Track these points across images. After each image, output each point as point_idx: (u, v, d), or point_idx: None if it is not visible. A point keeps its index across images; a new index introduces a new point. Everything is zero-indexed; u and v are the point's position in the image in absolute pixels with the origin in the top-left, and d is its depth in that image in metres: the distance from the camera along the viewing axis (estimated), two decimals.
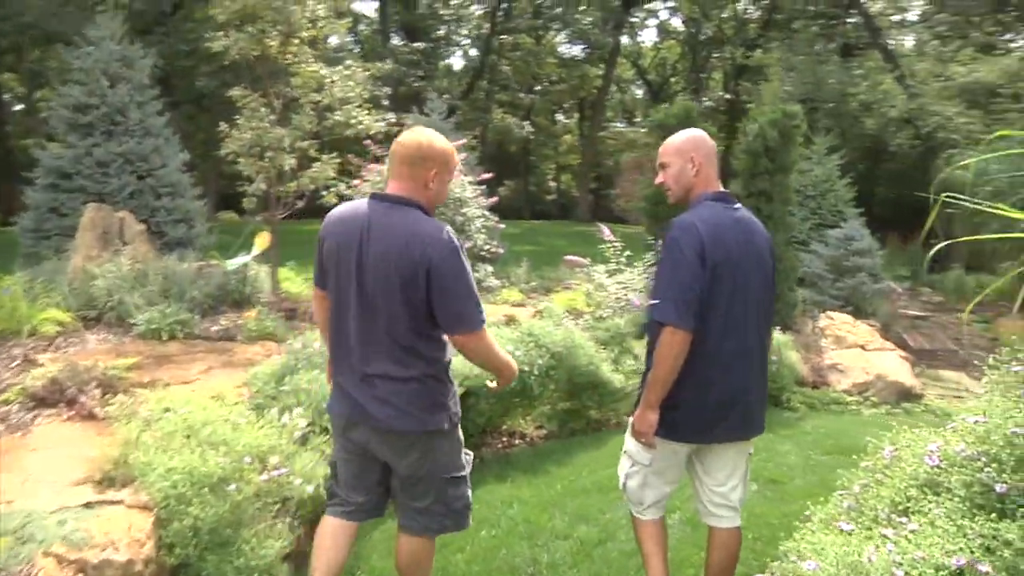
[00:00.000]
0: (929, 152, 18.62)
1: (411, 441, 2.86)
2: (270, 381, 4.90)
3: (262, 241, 8.03)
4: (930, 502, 2.78)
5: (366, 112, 7.83)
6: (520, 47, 27.33)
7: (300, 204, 8.04)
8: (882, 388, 7.62)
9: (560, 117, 40.49)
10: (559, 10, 26.73)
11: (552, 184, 43.06)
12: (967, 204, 3.08)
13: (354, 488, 3.07)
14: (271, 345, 6.52)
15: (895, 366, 8.01)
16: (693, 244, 2.90)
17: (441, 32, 27.92)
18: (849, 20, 23.62)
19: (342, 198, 8.31)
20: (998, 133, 3.34)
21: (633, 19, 32.48)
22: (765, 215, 9.13)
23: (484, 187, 9.68)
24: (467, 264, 2.78)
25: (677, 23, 37.33)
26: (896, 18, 21.75)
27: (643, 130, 39.45)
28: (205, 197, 11.60)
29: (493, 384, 3.15)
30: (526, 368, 5.44)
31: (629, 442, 3.24)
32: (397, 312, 2.74)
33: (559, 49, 34.02)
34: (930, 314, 12.57)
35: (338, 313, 2.89)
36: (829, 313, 9.77)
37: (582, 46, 32.85)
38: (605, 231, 8.26)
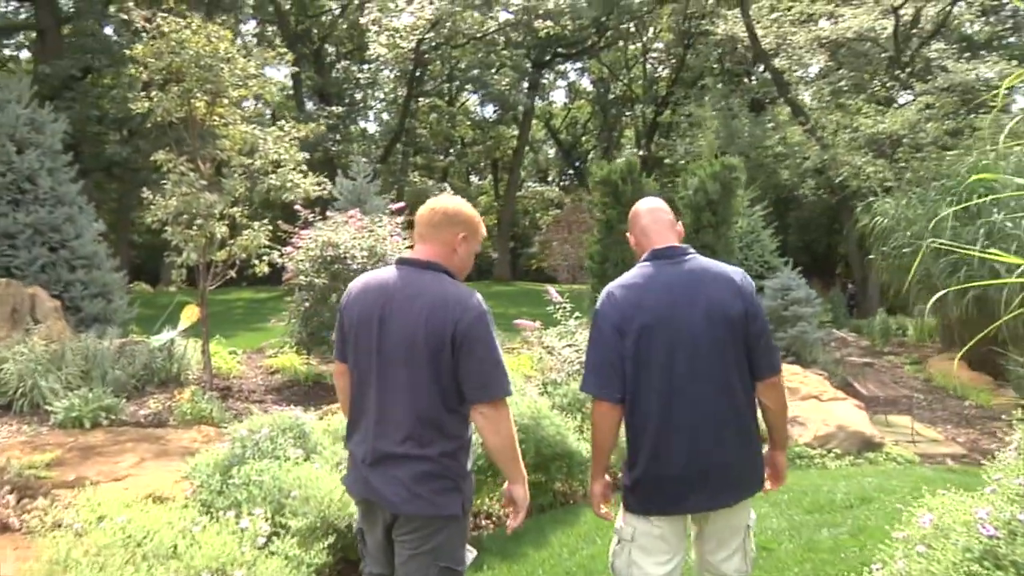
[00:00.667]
0: (843, 200, 19.00)
1: (418, 524, 2.67)
2: (214, 473, 4.34)
3: (190, 314, 7.44)
4: None
5: (301, 175, 7.35)
6: (436, 109, 27.20)
7: (231, 274, 7.47)
8: (844, 439, 7.36)
9: (474, 178, 40.52)
10: (475, 71, 26.71)
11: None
12: (960, 250, 2.82)
13: (376, 560, 2.88)
14: (208, 430, 5.91)
15: (853, 416, 7.79)
16: (609, 314, 2.82)
17: (358, 96, 27.64)
18: (755, 77, 24.24)
19: (273, 267, 7.82)
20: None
21: (543, 80, 32.81)
22: None
23: None
24: (494, 330, 2.65)
25: (587, 84, 37.95)
26: (799, 74, 22.31)
27: (558, 189, 39.95)
28: (122, 269, 10.85)
29: (511, 521, 2.84)
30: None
31: (617, 519, 3.00)
32: (422, 382, 2.61)
33: (472, 111, 34.10)
34: (874, 360, 12.53)
35: (360, 386, 2.75)
36: None
37: (494, 108, 33.00)
38: (553, 292, 7.92)
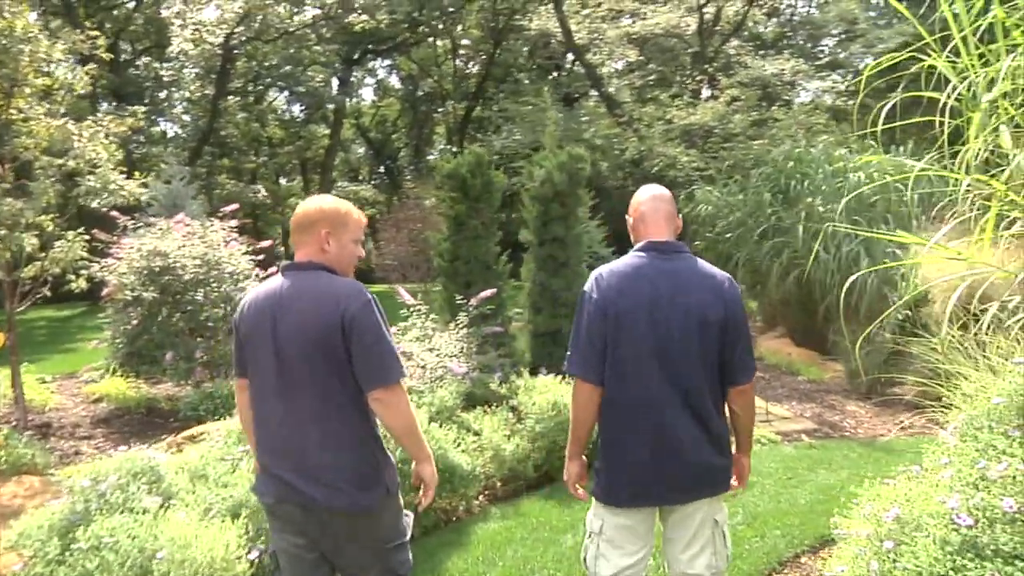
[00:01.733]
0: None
1: (346, 518, 2.73)
2: (51, 538, 3.57)
3: None
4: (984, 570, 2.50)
5: (123, 175, 6.49)
6: (246, 108, 25.86)
7: (44, 292, 6.50)
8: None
9: (283, 181, 38.96)
10: (287, 68, 25.52)
11: (281, 249, 41.24)
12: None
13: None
14: (31, 480, 4.98)
15: None
16: (594, 296, 2.87)
17: (161, 95, 25.80)
18: (566, 71, 24.55)
19: (92, 281, 6.93)
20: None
21: (352, 78, 31.94)
22: (561, 262, 8.73)
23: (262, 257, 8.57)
24: (382, 316, 2.71)
25: (396, 81, 37.32)
26: (611, 68, 22.78)
27: (372, 188, 39.12)
28: None
29: (422, 496, 2.88)
30: None
31: (588, 512, 3.09)
32: (321, 379, 2.67)
33: (281, 110, 32.76)
34: None
35: (261, 395, 2.79)
36: None
37: (301, 107, 31.85)
38: (404, 294, 7.45)
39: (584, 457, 3.07)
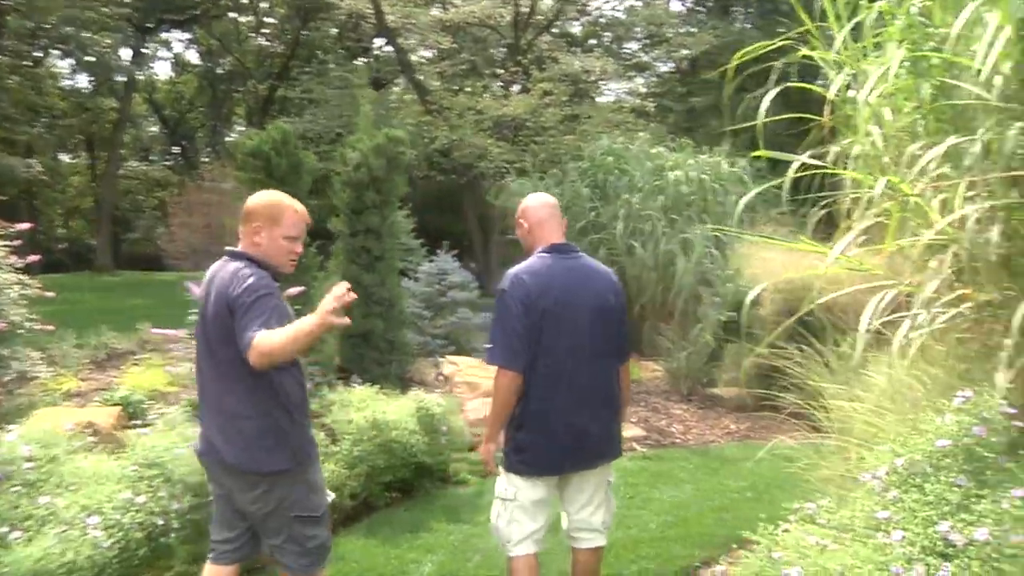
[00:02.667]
0: (470, 181, 18.77)
1: (253, 480, 2.92)
2: None
3: None
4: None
5: None
6: (18, 71, 22.72)
7: None
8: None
9: (65, 156, 35.22)
10: (69, 29, 22.63)
11: (62, 231, 37.42)
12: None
13: (220, 524, 3.12)
14: None
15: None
16: (518, 295, 3.18)
17: None
18: (375, 54, 23.39)
19: None
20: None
21: (144, 49, 29.19)
22: (375, 256, 7.75)
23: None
24: (258, 296, 2.79)
25: (194, 57, 34.60)
26: (423, 54, 21.81)
27: (164, 168, 36.23)
28: None
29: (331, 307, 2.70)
30: (160, 520, 3.45)
31: (497, 485, 3.38)
32: (229, 353, 2.84)
33: (64, 78, 29.43)
34: None
35: (197, 362, 3.07)
36: (451, 358, 8.65)
37: (89, 77, 28.74)
38: (194, 289, 6.24)
39: (500, 439, 3.36)
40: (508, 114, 17.81)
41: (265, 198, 3.04)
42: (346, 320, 2.67)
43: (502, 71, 19.50)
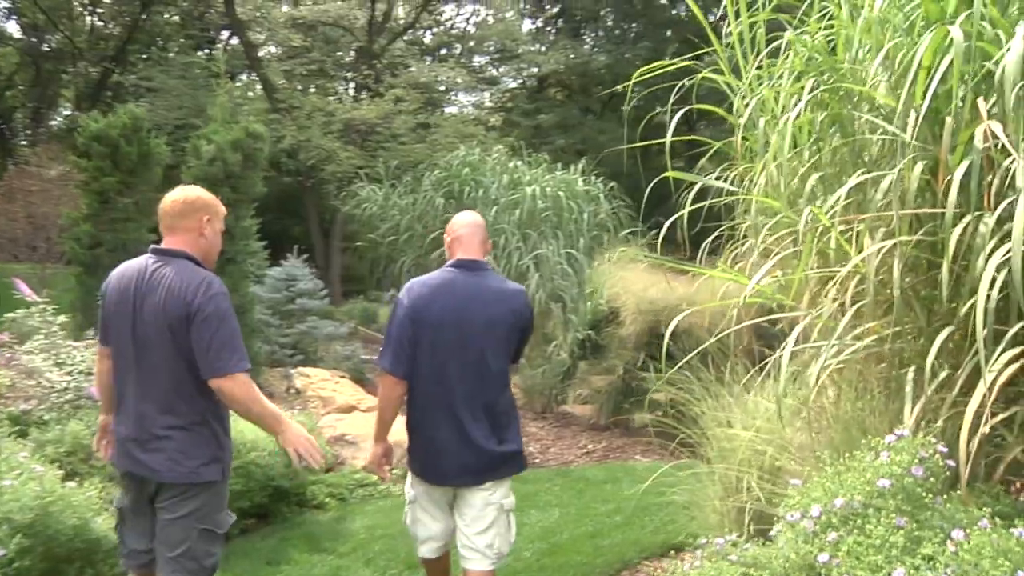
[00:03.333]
0: (319, 183, 18.09)
1: (179, 490, 2.83)
2: None
3: None
4: None
5: None
6: None
7: None
8: (403, 457, 6.22)
9: None
10: None
11: None
12: None
13: (140, 535, 2.98)
14: None
15: (402, 427, 6.72)
16: (406, 303, 3.26)
17: None
18: (221, 46, 22.17)
19: None
20: None
21: None
22: (227, 258, 7.16)
23: None
24: (228, 307, 2.82)
25: (14, 28, 31.69)
26: (273, 50, 20.83)
27: None
28: None
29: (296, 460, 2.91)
30: None
31: (407, 481, 3.50)
32: (169, 360, 2.78)
33: None
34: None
35: (117, 365, 2.91)
36: (303, 370, 8.11)
37: None
38: (23, 288, 5.52)
39: (387, 440, 3.47)
40: (358, 118, 17.27)
41: (198, 190, 3.02)
42: (308, 458, 2.89)
43: (355, 74, 18.92)
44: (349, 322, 12.66)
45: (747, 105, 4.35)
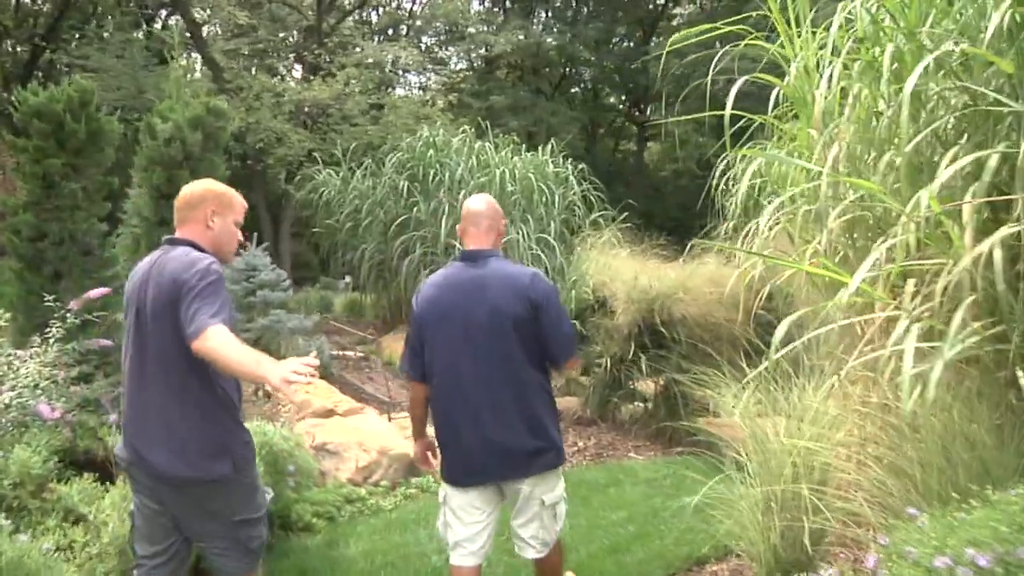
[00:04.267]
0: (266, 169, 17.21)
1: (195, 488, 2.71)
2: None
3: None
4: None
5: None
6: None
7: None
8: (389, 466, 5.61)
9: None
10: None
11: None
12: None
13: (147, 538, 2.83)
14: None
15: (386, 432, 6.07)
16: (415, 306, 3.23)
17: None
18: (161, 24, 21.01)
19: None
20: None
21: None
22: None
23: None
24: (215, 281, 2.64)
25: None
26: (216, 29, 19.77)
27: None
28: None
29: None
30: None
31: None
32: (168, 347, 2.65)
33: None
34: (353, 350, 10.75)
35: (126, 354, 2.82)
36: None
37: None
38: None
39: (426, 434, 3.41)
40: (309, 99, 16.41)
41: (209, 183, 2.96)
42: (291, 394, 2.46)
43: (306, 53, 18.00)
44: (309, 314, 11.89)
45: (814, 73, 3.83)
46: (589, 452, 7.13)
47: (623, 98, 30.43)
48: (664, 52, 4.60)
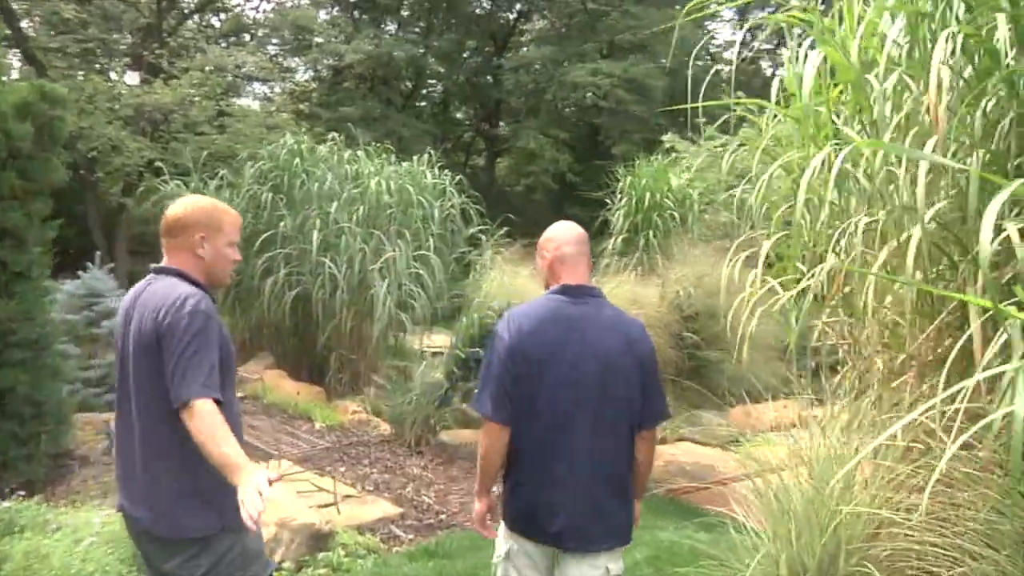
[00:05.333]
0: (98, 180, 15.29)
1: (172, 547, 2.41)
2: None
3: None
4: None
5: None
6: None
7: None
8: (292, 541, 4.43)
9: None
10: None
11: None
12: None
13: None
14: None
15: (283, 496, 4.86)
16: (507, 340, 2.70)
17: None
18: None
19: None
20: None
21: None
22: (15, 271, 5.03)
23: None
24: (203, 327, 2.35)
25: None
26: (33, 24, 17.43)
27: None
28: None
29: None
30: None
31: (500, 533, 2.88)
32: (148, 386, 2.39)
33: None
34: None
35: (118, 405, 2.55)
36: None
37: None
38: None
39: (490, 494, 2.93)
40: (150, 103, 14.68)
41: (195, 203, 2.60)
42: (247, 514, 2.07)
43: (145, 53, 16.16)
44: None
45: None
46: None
47: (472, 112, 29.85)
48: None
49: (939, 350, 3.09)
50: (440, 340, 10.62)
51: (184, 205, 2.60)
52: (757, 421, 9.69)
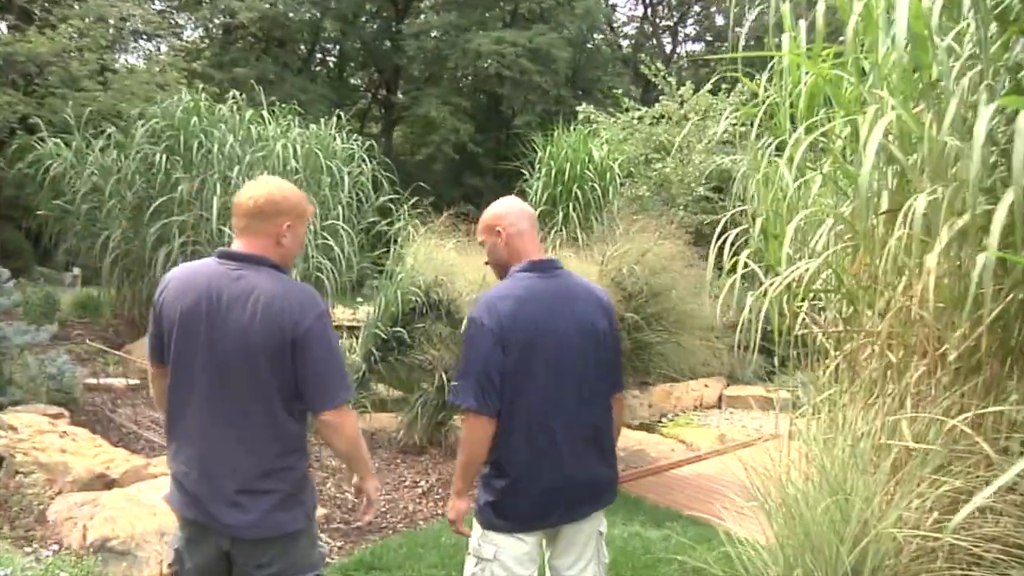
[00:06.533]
0: None
1: (265, 545, 2.28)
2: None
3: None
4: None
5: None
6: None
7: None
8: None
9: None
10: None
11: None
12: None
13: None
14: None
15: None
16: (490, 325, 2.51)
17: None
18: None
19: None
20: None
21: None
22: None
23: None
24: (333, 333, 2.36)
25: None
26: None
27: None
28: None
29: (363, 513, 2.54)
30: None
31: (472, 541, 2.67)
32: (262, 389, 2.23)
33: None
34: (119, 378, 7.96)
35: (180, 394, 2.29)
36: (6, 416, 5.03)
37: None
38: None
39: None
40: (23, 53, 13.17)
41: (290, 189, 2.40)
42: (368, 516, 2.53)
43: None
44: (32, 319, 9.19)
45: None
46: (436, 494, 5.59)
47: (369, 78, 28.74)
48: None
49: (976, 348, 2.69)
50: (348, 315, 9.91)
51: (279, 189, 2.37)
52: (678, 401, 9.46)
